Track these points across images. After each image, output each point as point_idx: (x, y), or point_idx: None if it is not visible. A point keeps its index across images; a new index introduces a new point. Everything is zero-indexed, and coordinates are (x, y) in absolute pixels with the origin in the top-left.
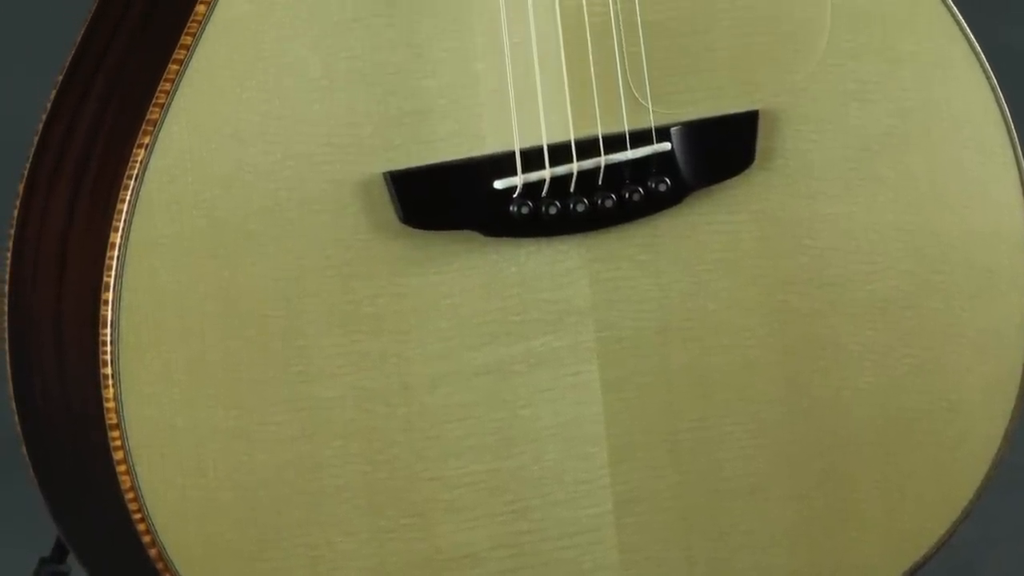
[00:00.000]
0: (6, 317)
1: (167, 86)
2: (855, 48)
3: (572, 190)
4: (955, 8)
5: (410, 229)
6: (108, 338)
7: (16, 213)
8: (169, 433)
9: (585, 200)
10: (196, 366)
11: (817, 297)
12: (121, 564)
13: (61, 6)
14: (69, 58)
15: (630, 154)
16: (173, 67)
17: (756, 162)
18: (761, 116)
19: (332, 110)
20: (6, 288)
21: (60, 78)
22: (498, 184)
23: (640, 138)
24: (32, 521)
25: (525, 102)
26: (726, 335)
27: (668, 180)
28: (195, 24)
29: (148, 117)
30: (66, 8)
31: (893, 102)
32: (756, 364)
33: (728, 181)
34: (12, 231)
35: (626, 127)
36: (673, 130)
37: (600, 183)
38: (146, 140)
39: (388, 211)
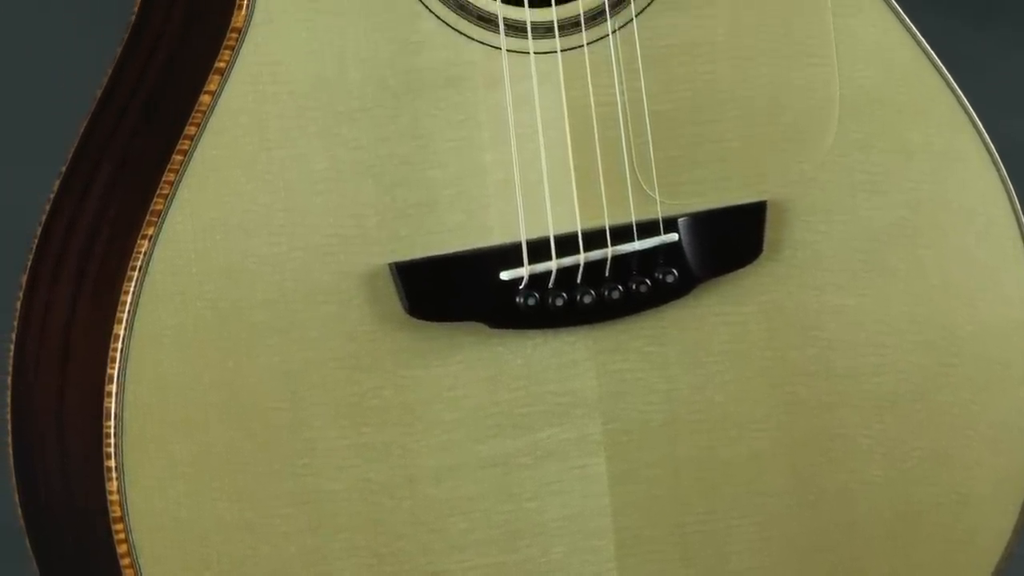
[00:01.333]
0: (8, 408)
1: (171, 177)
2: (864, 138)
3: (579, 281)
4: (964, 99)
5: (415, 320)
6: (112, 430)
7: (19, 304)
8: (173, 526)
9: (592, 291)
10: (200, 458)
11: (826, 389)
12: None
13: (64, 94)
14: (73, 147)
15: (637, 245)
16: (177, 158)
17: (764, 253)
18: (769, 207)
19: (337, 201)
20: (8, 380)
21: (64, 168)
22: (504, 275)
23: (647, 229)
24: None
25: (532, 193)
26: (734, 427)
27: (675, 271)
28: (199, 115)
29: (152, 208)
30: (69, 96)
31: (903, 193)
32: (764, 456)
33: (736, 272)
34: (15, 321)
35: (633, 218)
36: (680, 221)
37: (607, 274)
38: (150, 231)
39: (393, 302)
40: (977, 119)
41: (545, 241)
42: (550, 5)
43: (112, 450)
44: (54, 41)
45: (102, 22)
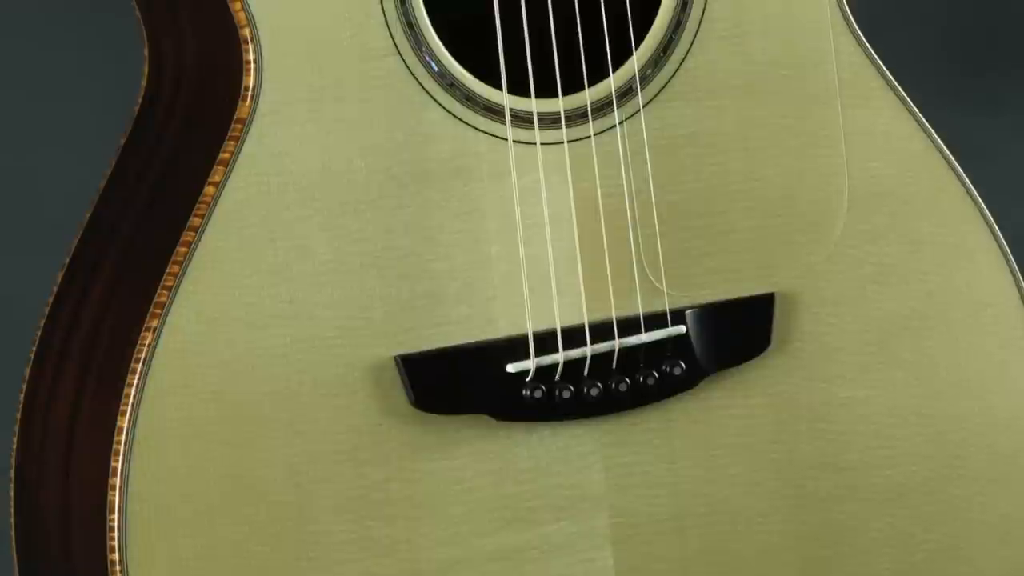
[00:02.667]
0: (11, 500)
1: (175, 268)
2: (873, 230)
3: (586, 374)
4: (974, 190)
5: (422, 413)
6: (115, 523)
7: (22, 396)
8: None
9: (599, 384)
10: (205, 551)
11: (834, 482)
12: None
13: (67, 182)
14: (77, 237)
15: (645, 337)
16: (182, 249)
17: (772, 345)
18: (778, 299)
19: (343, 293)
20: (11, 472)
21: (67, 259)
22: (511, 368)
23: (655, 321)
24: None
25: (538, 285)
26: (742, 520)
27: (683, 364)
28: (203, 206)
29: (156, 300)
30: (73, 184)
31: (912, 285)
32: (772, 549)
33: (744, 364)
34: (18, 414)
35: (640, 310)
36: (688, 313)
37: (614, 366)
38: (154, 324)
39: (399, 394)
40: (986, 210)
41: (552, 333)
42: (557, 96)
43: (116, 543)
44: (57, 127)
45: (106, 110)
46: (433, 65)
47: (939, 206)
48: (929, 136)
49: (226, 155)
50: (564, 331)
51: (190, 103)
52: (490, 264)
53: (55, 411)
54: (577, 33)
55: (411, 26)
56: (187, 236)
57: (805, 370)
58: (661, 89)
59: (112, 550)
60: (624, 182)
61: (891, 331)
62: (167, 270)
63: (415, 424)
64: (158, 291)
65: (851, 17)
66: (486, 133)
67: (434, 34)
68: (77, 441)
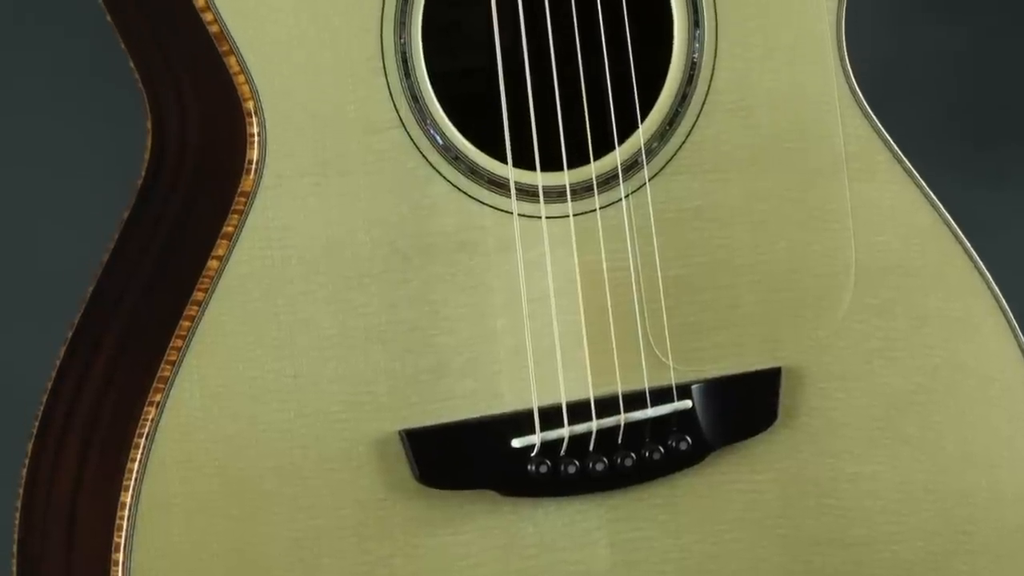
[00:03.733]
0: (14, 574)
1: (179, 343)
2: (881, 304)
3: (591, 449)
4: (981, 264)
5: (427, 488)
6: None
7: (25, 471)
8: None
9: (604, 459)
10: None
11: (841, 558)
12: None
13: (70, 256)
14: (79, 311)
15: (650, 412)
16: (185, 323)
17: (779, 420)
18: (784, 373)
19: (347, 368)
20: (14, 548)
21: (70, 333)
22: (516, 443)
23: (661, 396)
24: None
25: (544, 359)
26: None
27: (689, 439)
28: (207, 280)
29: (159, 374)
30: (74, 260)
31: (919, 359)
32: None
33: (750, 439)
34: (21, 489)
35: (646, 385)
36: (694, 387)
37: (620, 441)
38: (157, 398)
39: (404, 470)
40: (993, 283)
41: (557, 408)
42: (562, 169)
43: None
44: (59, 200)
45: (109, 183)
46: (438, 138)
47: (946, 280)
48: (936, 209)
49: (230, 229)
50: (569, 406)
51: (193, 176)
52: (495, 338)
53: (57, 485)
54: (583, 106)
55: (415, 99)
56: (190, 310)
57: (812, 445)
58: (667, 162)
59: None
60: (630, 256)
61: (898, 406)
62: (170, 344)
63: (420, 499)
64: (161, 365)
65: (857, 89)
66: (491, 207)
67: (439, 107)
68: (80, 515)
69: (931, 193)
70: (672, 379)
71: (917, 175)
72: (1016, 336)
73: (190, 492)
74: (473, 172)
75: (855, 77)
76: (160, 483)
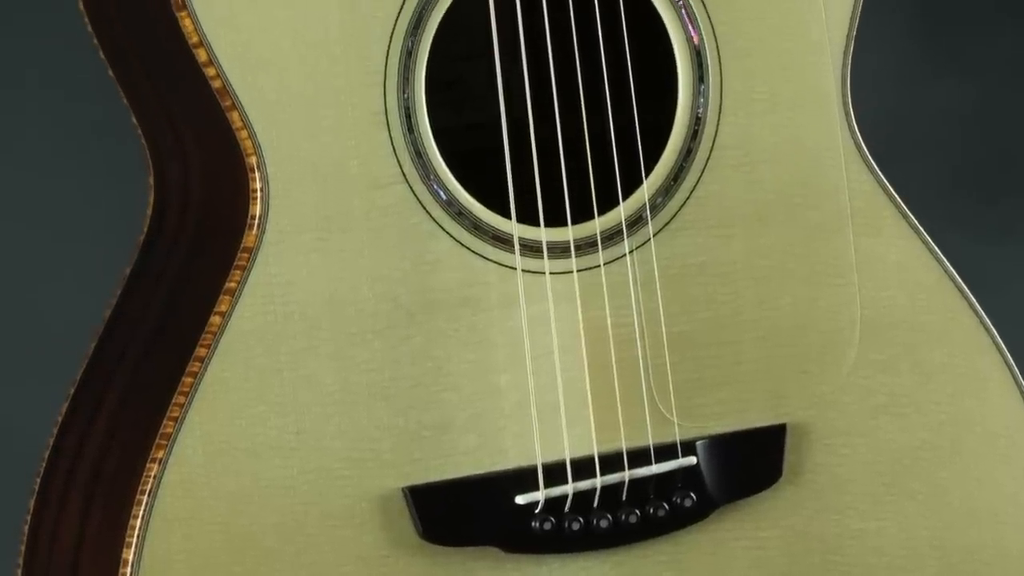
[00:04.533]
0: None
1: (181, 399)
2: (886, 360)
3: (595, 505)
4: (987, 320)
5: (430, 545)
6: None
7: (27, 527)
8: None
9: (608, 516)
10: None
11: None
12: None
13: (71, 312)
14: (82, 368)
15: (655, 469)
16: (187, 380)
17: (784, 476)
18: (789, 430)
19: (350, 424)
20: None
21: (73, 389)
22: (520, 500)
23: (665, 452)
24: None
25: (548, 415)
26: None
27: (693, 495)
28: (210, 336)
29: (162, 431)
30: (77, 316)
31: (925, 415)
32: None
33: (755, 496)
34: (23, 546)
35: (651, 441)
36: (699, 444)
37: (624, 498)
38: (160, 454)
39: (407, 526)
40: (999, 339)
41: (561, 464)
42: (566, 225)
43: None
44: (60, 257)
45: (110, 239)
46: (441, 194)
47: (952, 336)
48: (942, 265)
49: (232, 284)
50: (574, 462)
51: (196, 232)
52: (499, 394)
53: (60, 541)
54: (587, 162)
55: (419, 154)
56: (193, 366)
57: (817, 501)
58: (672, 218)
59: None
60: (634, 311)
61: (903, 462)
62: (173, 401)
63: (423, 556)
64: (164, 422)
65: (862, 144)
66: (495, 262)
67: (442, 162)
68: (82, 572)
69: (936, 249)
70: (676, 435)
71: (922, 230)
72: (1022, 392)
73: (192, 549)
74: (477, 227)
75: (860, 132)
76: (163, 539)
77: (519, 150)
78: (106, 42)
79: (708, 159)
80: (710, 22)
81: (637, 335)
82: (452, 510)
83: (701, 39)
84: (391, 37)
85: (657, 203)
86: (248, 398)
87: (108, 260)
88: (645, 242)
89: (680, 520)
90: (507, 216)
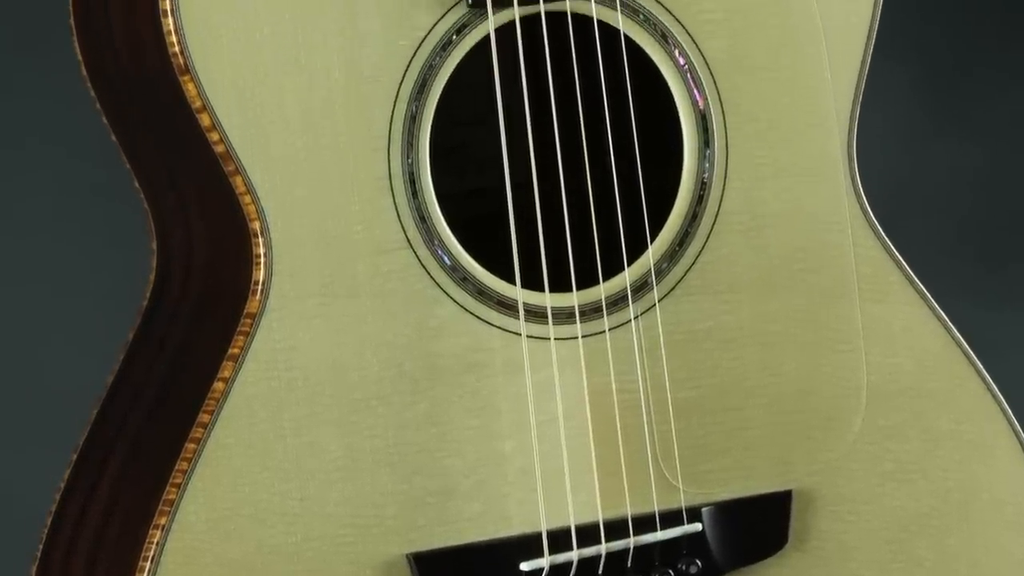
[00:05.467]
0: None
1: (184, 465)
2: (892, 426)
3: (600, 572)
4: (994, 386)
5: None
6: None
7: None
8: None
9: None
10: None
11: None
12: None
13: (74, 377)
14: (84, 433)
15: (660, 535)
16: (190, 446)
17: (790, 543)
18: (795, 496)
19: (354, 490)
20: None
21: (75, 455)
22: (524, 567)
23: (670, 518)
24: None
25: (552, 482)
26: None
27: (699, 562)
28: (213, 402)
29: (164, 497)
30: (79, 380)
31: (932, 482)
32: None
33: (760, 562)
34: None
35: (656, 507)
36: (704, 510)
37: (629, 564)
38: (162, 521)
39: None
40: (1006, 406)
41: (566, 531)
42: (571, 290)
43: None
44: (63, 322)
45: (114, 304)
46: (445, 259)
47: (959, 402)
48: (948, 331)
49: (236, 350)
50: (578, 528)
51: (199, 297)
52: (503, 460)
53: None
54: (592, 227)
55: (423, 219)
56: (196, 432)
57: (823, 568)
58: (677, 283)
59: None
60: (639, 378)
61: (910, 529)
62: (176, 467)
63: None
64: (166, 488)
65: (869, 210)
66: (499, 328)
67: (446, 227)
68: None
69: (943, 314)
70: (682, 501)
71: (928, 296)
72: None
73: None
74: (481, 293)
75: (866, 195)
76: None
77: (523, 215)
78: (109, 106)
79: (714, 224)
80: (715, 86)
81: (642, 401)
82: None
83: (707, 103)
84: (395, 102)
85: (662, 268)
86: (251, 464)
87: (110, 325)
88: (650, 308)
89: None
90: (511, 282)
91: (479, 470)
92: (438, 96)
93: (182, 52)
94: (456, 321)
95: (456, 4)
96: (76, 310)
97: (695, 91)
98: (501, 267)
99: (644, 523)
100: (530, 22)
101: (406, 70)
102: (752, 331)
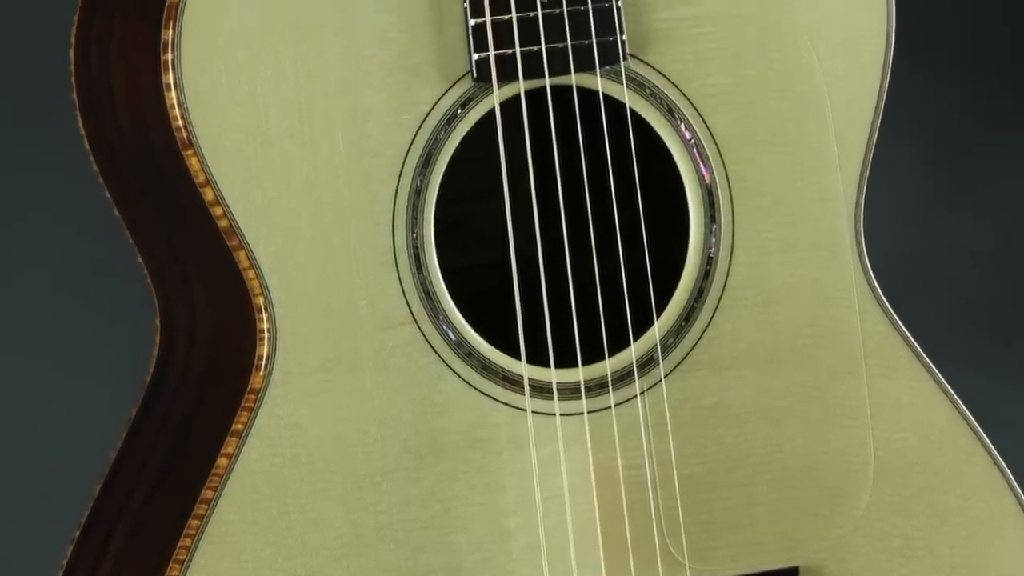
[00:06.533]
0: None
1: (187, 542)
2: (899, 502)
3: None
4: (1002, 462)
5: None
6: None
7: None
8: None
9: None
10: None
11: None
12: None
13: (76, 453)
14: (87, 509)
15: None
16: (194, 523)
17: None
18: (802, 572)
19: (359, 567)
20: None
21: (78, 531)
22: None
23: None
24: None
25: (558, 559)
26: None
27: None
28: (216, 478)
29: (168, 574)
30: (82, 457)
31: (939, 558)
32: None
33: None
34: None
35: None
36: None
37: None
38: None
39: None
40: (1014, 482)
41: None
42: (576, 366)
43: None
44: (66, 398)
45: (116, 379)
46: (450, 334)
47: (966, 478)
48: (956, 406)
49: (239, 426)
50: None
51: (202, 372)
52: (509, 537)
53: None
54: (597, 302)
55: (428, 294)
56: (199, 509)
57: None
58: (683, 359)
59: None
60: (645, 454)
61: None
62: (179, 543)
63: None
64: (170, 565)
65: (876, 285)
66: (504, 403)
67: (451, 303)
68: None
69: (950, 389)
70: None
71: (936, 371)
72: None
73: None
74: (486, 368)
75: (874, 270)
76: None
77: (529, 290)
78: (111, 180)
79: (720, 299)
80: (722, 161)
81: (648, 477)
82: None
83: (713, 178)
84: (399, 176)
85: (668, 344)
86: (255, 541)
87: (113, 400)
88: (656, 383)
89: None
90: (517, 357)
91: (484, 547)
92: (443, 170)
93: (186, 126)
94: (461, 397)
95: (461, 78)
96: (78, 385)
97: (701, 165)
98: (506, 342)
99: None
100: (535, 96)
101: (411, 144)
102: (758, 407)
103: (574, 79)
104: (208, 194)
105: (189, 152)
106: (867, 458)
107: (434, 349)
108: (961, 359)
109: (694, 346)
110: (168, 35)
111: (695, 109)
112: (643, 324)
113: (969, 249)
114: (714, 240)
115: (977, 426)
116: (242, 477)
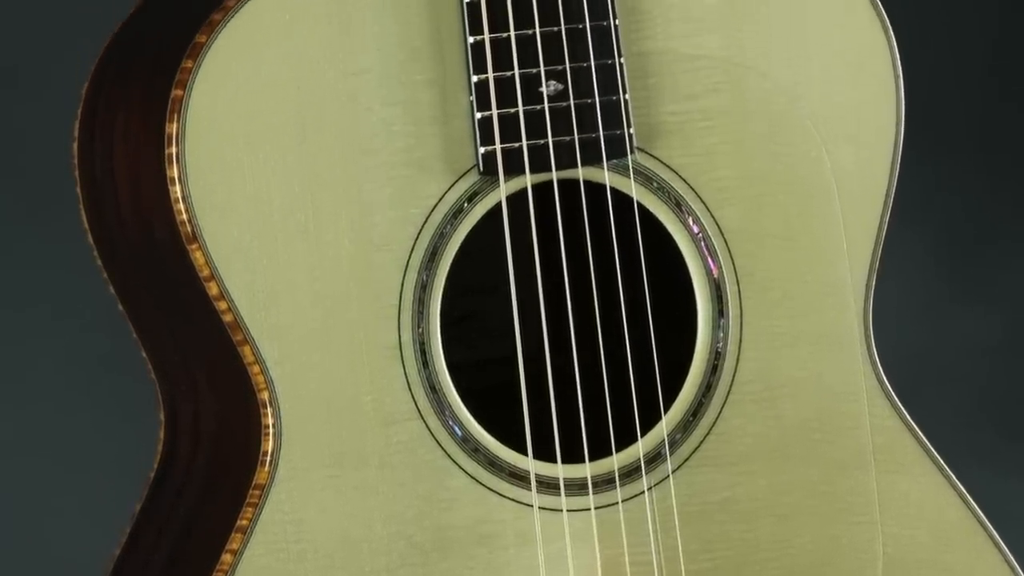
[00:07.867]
0: None
1: None
2: None
3: None
4: (1012, 559)
5: None
6: None
7: None
8: None
9: None
10: None
11: None
12: None
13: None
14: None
15: None
16: None
17: None
18: None
19: None
20: None
21: None
22: None
23: None
24: None
25: None
26: None
27: None
28: (221, 574)
29: None
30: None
31: None
32: None
33: None
34: None
35: None
36: None
37: None
38: None
39: None
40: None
41: None
42: (583, 461)
43: None
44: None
45: (121, 475)
46: (456, 430)
47: (976, 574)
48: (966, 503)
49: (244, 522)
50: None
51: (207, 468)
52: None
53: None
54: (604, 398)
55: (433, 389)
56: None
57: None
58: (691, 454)
59: None
60: (652, 550)
61: None
62: None
63: None
64: None
65: (885, 380)
66: (511, 499)
67: (457, 398)
68: None
69: (960, 486)
70: None
71: (945, 467)
72: None
73: None
74: (492, 464)
75: (883, 364)
76: None
77: (535, 386)
78: (115, 274)
79: (728, 394)
80: (730, 255)
81: (655, 573)
82: None
83: (721, 272)
84: (405, 270)
85: (676, 439)
86: None
87: (117, 495)
88: (664, 479)
89: None
90: (524, 453)
91: None
92: (449, 264)
93: (190, 220)
94: (467, 492)
95: (467, 172)
96: (82, 481)
97: (709, 259)
98: (513, 437)
99: None
100: (543, 189)
101: (416, 238)
102: (766, 502)
103: (581, 173)
104: (212, 288)
105: (194, 246)
106: (876, 554)
107: (440, 444)
108: (971, 454)
109: (702, 441)
110: (172, 128)
111: (703, 203)
112: (651, 419)
113: (978, 343)
114: (722, 335)
115: (987, 522)
116: (247, 573)
